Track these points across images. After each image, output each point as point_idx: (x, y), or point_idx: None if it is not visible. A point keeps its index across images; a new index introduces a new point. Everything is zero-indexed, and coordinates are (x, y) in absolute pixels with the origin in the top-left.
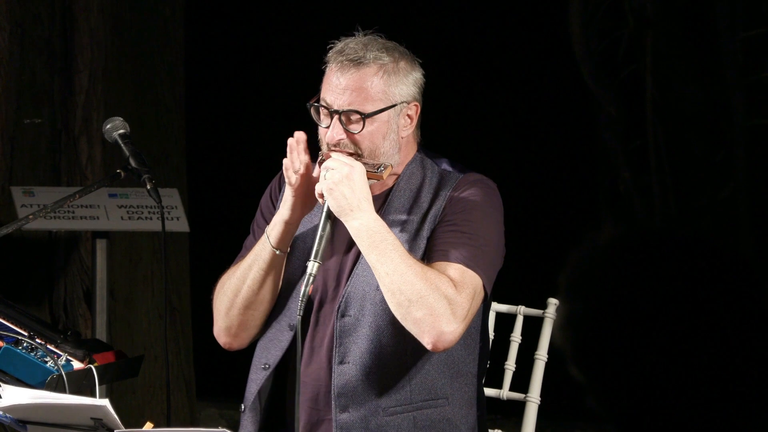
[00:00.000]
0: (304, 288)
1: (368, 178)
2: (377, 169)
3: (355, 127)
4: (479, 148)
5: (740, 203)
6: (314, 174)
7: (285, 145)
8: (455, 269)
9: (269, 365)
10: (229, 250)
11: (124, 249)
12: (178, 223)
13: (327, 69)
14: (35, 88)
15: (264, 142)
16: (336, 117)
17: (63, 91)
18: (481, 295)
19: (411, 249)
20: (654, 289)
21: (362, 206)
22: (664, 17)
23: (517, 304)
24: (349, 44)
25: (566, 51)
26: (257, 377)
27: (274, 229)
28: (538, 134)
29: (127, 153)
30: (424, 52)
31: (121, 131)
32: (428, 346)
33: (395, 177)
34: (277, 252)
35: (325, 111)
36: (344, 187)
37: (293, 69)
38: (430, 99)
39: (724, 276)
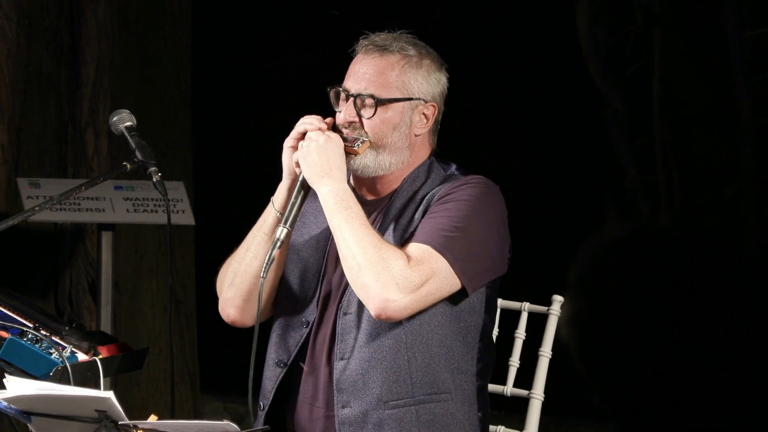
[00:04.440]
0: (270, 251)
1: (346, 152)
2: (354, 144)
3: (367, 112)
4: (485, 144)
5: (746, 201)
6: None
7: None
8: (418, 248)
9: (284, 362)
10: (235, 243)
11: (130, 241)
12: (184, 216)
13: (354, 57)
14: (42, 80)
15: (270, 136)
16: (351, 99)
17: (70, 82)
18: (448, 280)
19: (402, 242)
20: (659, 287)
21: (332, 174)
22: (671, 15)
23: (521, 301)
24: (380, 34)
25: (573, 47)
26: (272, 374)
27: (278, 196)
28: (544, 131)
29: (134, 145)
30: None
31: (128, 123)
32: (373, 313)
33: (401, 179)
34: (281, 216)
35: (343, 96)
36: (317, 155)
37: (301, 63)
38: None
39: (729, 274)
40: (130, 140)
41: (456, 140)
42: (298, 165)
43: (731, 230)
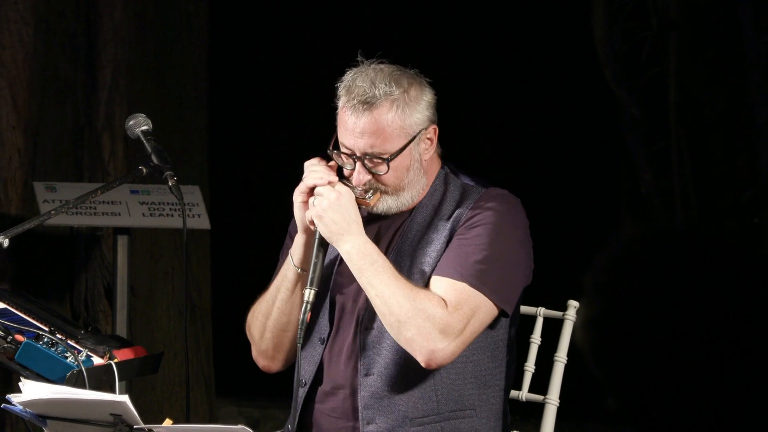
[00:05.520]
0: (302, 316)
1: (357, 203)
2: (365, 196)
3: (380, 169)
4: (501, 148)
5: (761, 206)
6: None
7: (307, 142)
8: (454, 288)
9: (305, 381)
10: (250, 247)
11: (146, 245)
12: (200, 221)
13: (339, 109)
14: (58, 84)
15: (286, 140)
16: (359, 162)
17: (86, 86)
18: (489, 313)
19: (427, 263)
20: (674, 291)
21: (352, 229)
22: (688, 19)
23: (536, 306)
24: (356, 82)
25: (590, 52)
26: (296, 395)
27: (296, 250)
28: (561, 135)
29: (150, 150)
30: (445, 54)
31: (144, 128)
32: (422, 364)
33: (421, 196)
34: (301, 272)
35: (347, 155)
36: (333, 213)
37: (316, 68)
38: (452, 102)
39: (744, 278)
40: (146, 144)
41: (471, 147)
42: (312, 223)
43: (746, 235)
